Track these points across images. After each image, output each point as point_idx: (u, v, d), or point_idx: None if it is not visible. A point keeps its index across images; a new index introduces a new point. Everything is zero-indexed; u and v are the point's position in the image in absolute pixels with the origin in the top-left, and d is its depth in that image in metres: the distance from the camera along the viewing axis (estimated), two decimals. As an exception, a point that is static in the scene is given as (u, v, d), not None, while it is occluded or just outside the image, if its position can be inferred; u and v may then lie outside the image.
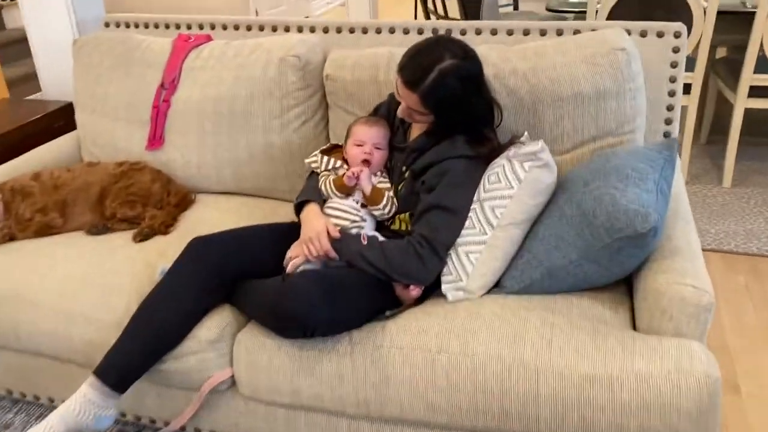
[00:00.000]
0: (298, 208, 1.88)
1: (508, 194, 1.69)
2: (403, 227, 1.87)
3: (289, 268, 1.80)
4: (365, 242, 1.75)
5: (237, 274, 1.81)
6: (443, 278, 1.77)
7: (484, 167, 1.80)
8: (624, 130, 1.94)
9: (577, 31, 2.11)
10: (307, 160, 1.99)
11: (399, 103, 1.95)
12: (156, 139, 2.35)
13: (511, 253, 1.73)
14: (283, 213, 2.28)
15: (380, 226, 1.90)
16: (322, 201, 1.88)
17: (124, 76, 2.39)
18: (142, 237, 2.07)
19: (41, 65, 2.99)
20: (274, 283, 1.68)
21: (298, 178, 2.30)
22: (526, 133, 1.94)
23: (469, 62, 1.71)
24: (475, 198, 1.76)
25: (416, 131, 1.89)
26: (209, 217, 2.20)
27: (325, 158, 1.93)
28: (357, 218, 1.84)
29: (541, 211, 1.74)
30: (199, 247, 1.79)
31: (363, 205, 1.86)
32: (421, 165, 1.79)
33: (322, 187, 1.88)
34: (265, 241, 1.87)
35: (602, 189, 1.59)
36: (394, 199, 1.87)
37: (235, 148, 2.29)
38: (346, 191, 1.84)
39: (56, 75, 3.02)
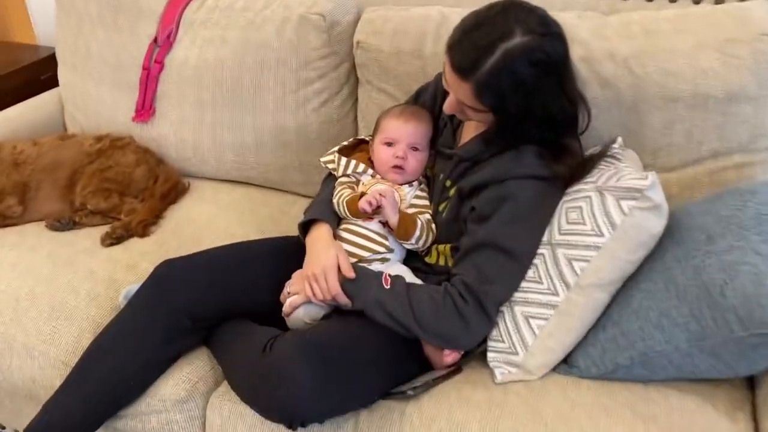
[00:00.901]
0: (305, 226, 1.42)
1: (594, 243, 1.18)
2: (442, 262, 1.39)
3: (286, 308, 1.35)
4: (388, 286, 1.28)
5: (217, 315, 1.37)
6: (491, 344, 1.29)
7: (561, 193, 1.29)
8: (759, 146, 1.39)
9: (719, 1, 1.52)
10: (322, 159, 1.50)
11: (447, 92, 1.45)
12: (145, 110, 1.90)
13: (589, 323, 1.24)
14: (295, 212, 1.81)
15: (411, 254, 1.42)
16: (337, 219, 1.41)
17: (112, 27, 1.92)
18: (112, 240, 1.65)
19: (31, 2, 2.54)
20: (256, 354, 1.23)
21: (314, 169, 1.82)
22: (619, 139, 1.41)
23: (549, 41, 1.17)
24: (545, 238, 1.26)
25: (470, 132, 1.38)
26: (202, 215, 1.76)
27: (344, 160, 1.44)
28: (381, 249, 1.37)
29: (639, 266, 1.23)
30: (166, 278, 1.35)
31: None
32: (473, 183, 1.29)
33: (335, 202, 1.41)
34: (260, 267, 1.42)
35: (737, 254, 1.07)
36: (433, 226, 1.38)
37: (238, 130, 1.82)
38: (365, 216, 1.37)
39: (49, 14, 2.56)
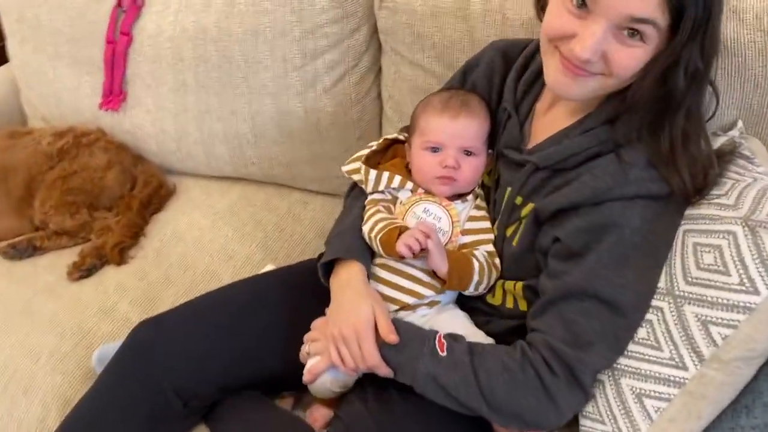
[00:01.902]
0: (328, 263, 1.06)
1: (744, 303, 0.82)
2: (510, 303, 1.04)
3: (306, 376, 1.02)
4: (444, 353, 0.94)
5: (215, 391, 1.04)
6: (586, 424, 0.96)
7: (681, 215, 0.93)
8: None
9: None
10: (344, 169, 1.13)
11: (507, 62, 1.07)
12: (114, 95, 1.51)
13: (726, 404, 0.89)
14: (310, 218, 1.47)
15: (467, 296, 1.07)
16: (371, 254, 1.05)
17: (65, -12, 1.52)
18: (82, 273, 1.30)
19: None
20: None
21: (331, 161, 1.46)
22: (740, 124, 1.05)
23: None
24: (662, 284, 0.90)
25: (546, 126, 1.01)
26: (193, 229, 1.41)
27: (373, 174, 1.07)
28: (430, 292, 1.02)
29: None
30: (146, 348, 1.02)
31: None
32: (557, 204, 0.93)
33: (367, 236, 1.05)
34: (267, 319, 1.09)
35: None
36: (496, 261, 1.03)
37: (231, 117, 1.44)
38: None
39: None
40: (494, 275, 1.03)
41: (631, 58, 0.84)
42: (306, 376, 1.02)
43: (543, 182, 0.98)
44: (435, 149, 1.03)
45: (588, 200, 0.90)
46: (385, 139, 1.13)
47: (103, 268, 1.33)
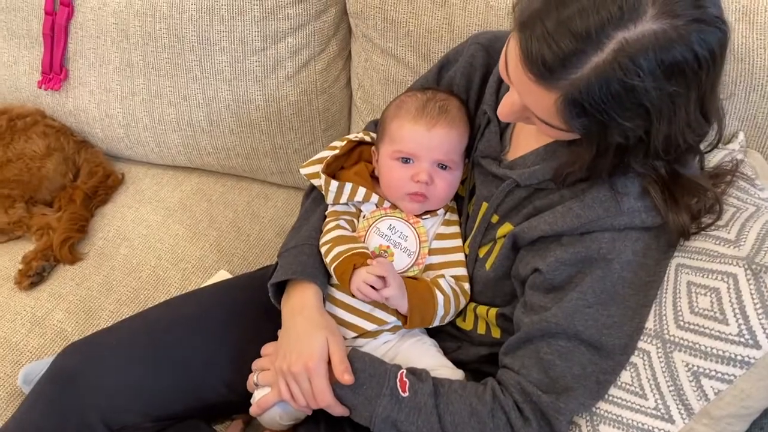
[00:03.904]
0: (278, 286, 0.95)
1: (742, 356, 0.73)
2: (482, 329, 0.95)
3: (254, 408, 0.92)
4: (406, 393, 0.84)
5: (150, 423, 0.94)
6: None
7: (673, 248, 0.83)
8: None
9: None
10: (303, 171, 1.01)
11: (490, 59, 0.95)
12: (54, 73, 1.36)
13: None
14: (270, 216, 1.35)
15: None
16: (327, 275, 0.94)
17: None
18: (32, 279, 1.17)
19: None
20: None
21: (293, 154, 1.34)
22: (741, 136, 0.95)
23: (699, 31, 0.65)
24: (650, 324, 0.81)
25: (530, 136, 0.89)
26: (140, 227, 1.28)
27: (334, 185, 0.95)
28: (392, 317, 0.91)
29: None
30: (72, 378, 0.90)
31: None
32: (539, 231, 0.83)
33: (323, 253, 0.93)
34: (210, 340, 0.98)
35: None
36: (466, 287, 0.93)
37: (183, 103, 1.30)
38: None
39: None
40: (462, 302, 0.93)
41: (558, 136, 0.77)
42: (253, 409, 0.92)
43: (523, 201, 0.88)
44: (406, 160, 0.92)
45: (574, 230, 0.80)
46: (349, 141, 1.00)
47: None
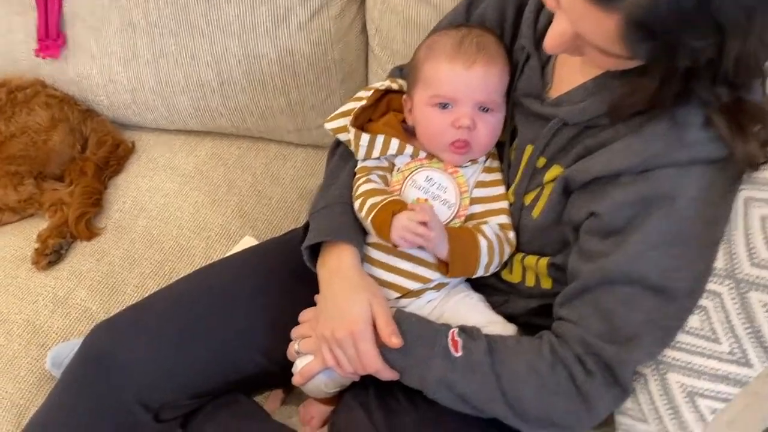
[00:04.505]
0: (312, 249, 0.89)
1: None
2: (530, 281, 0.89)
3: (297, 378, 0.87)
4: (459, 353, 0.79)
5: (188, 399, 0.90)
6: (624, 422, 0.83)
7: (738, 182, 0.76)
8: None
9: None
10: (328, 126, 0.94)
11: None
12: (51, 39, 1.28)
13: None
14: (291, 176, 1.29)
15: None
16: (363, 233, 0.88)
17: None
18: (49, 258, 1.12)
19: None
20: None
21: (310, 110, 1.27)
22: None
23: None
24: (719, 264, 0.75)
25: (574, 70, 0.82)
26: (157, 196, 1.23)
27: (365, 138, 0.88)
28: (435, 274, 0.86)
29: None
30: (104, 357, 0.86)
31: None
32: (594, 172, 0.76)
33: (357, 209, 0.87)
34: (245, 309, 0.93)
35: None
36: (510, 235, 0.87)
37: (191, 62, 1.23)
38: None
39: None
40: (507, 251, 0.87)
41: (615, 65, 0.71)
42: (296, 378, 0.87)
43: (571, 141, 0.81)
44: (445, 105, 0.84)
45: (633, 168, 0.74)
46: (376, 90, 0.93)
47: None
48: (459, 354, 0.79)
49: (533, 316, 0.90)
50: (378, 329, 0.79)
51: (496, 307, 0.91)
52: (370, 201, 0.84)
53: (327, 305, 0.84)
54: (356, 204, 0.86)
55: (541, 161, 0.84)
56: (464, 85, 0.83)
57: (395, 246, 0.82)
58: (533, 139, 0.84)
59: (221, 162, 1.29)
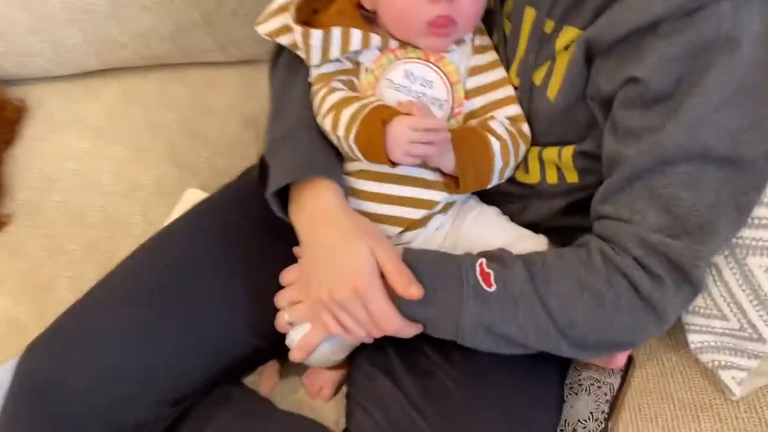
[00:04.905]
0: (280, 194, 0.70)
1: None
2: (552, 177, 0.72)
3: (296, 353, 0.70)
4: (492, 287, 0.63)
5: (167, 409, 0.72)
6: (697, 322, 0.70)
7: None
8: None
9: None
10: (262, 30, 0.72)
11: None
12: None
13: None
14: (224, 103, 1.06)
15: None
16: (341, 161, 0.69)
17: None
18: None
19: None
20: None
21: (231, 17, 1.04)
22: None
23: None
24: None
25: None
26: (67, 157, 1.00)
27: (318, 35, 0.66)
28: (440, 195, 0.68)
29: None
30: (45, 387, 0.67)
31: None
32: (627, 24, 0.58)
33: (328, 129, 0.67)
34: (211, 288, 0.74)
35: None
36: (524, 129, 0.69)
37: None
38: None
39: None
40: (522, 149, 0.70)
41: None
42: (295, 354, 0.71)
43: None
44: (417, -24, 0.63)
45: (679, 9, 0.56)
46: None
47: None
48: (493, 288, 0.63)
49: (560, 217, 0.74)
50: (389, 281, 0.62)
51: (514, 217, 0.75)
52: (346, 113, 0.64)
53: (317, 262, 0.66)
54: (326, 123, 0.66)
55: (549, 25, 0.65)
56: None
57: (392, 165, 0.63)
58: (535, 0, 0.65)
59: (136, 103, 1.06)
